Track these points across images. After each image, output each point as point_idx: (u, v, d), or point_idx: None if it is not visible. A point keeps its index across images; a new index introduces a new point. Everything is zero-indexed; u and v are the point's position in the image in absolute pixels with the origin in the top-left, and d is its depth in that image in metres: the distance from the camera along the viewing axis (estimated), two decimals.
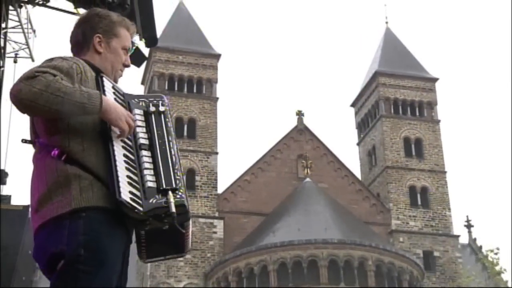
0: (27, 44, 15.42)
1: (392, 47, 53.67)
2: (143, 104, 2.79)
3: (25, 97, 2.48)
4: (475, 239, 55.34)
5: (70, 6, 10.98)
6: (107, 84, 2.75)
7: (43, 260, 2.58)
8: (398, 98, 50.74)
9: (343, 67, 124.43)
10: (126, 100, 2.77)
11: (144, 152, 2.65)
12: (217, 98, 47.89)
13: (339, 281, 38.27)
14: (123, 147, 2.62)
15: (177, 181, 2.61)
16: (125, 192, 2.50)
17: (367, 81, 52.79)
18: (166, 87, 47.28)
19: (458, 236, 48.04)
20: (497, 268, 39.31)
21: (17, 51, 15.55)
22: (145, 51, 11.41)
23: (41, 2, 11.73)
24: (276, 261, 39.02)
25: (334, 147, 73.73)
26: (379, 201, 47.87)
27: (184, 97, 47.16)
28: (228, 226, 43.99)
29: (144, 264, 42.34)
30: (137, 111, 2.75)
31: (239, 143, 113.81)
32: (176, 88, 47.49)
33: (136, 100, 2.80)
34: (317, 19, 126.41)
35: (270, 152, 47.88)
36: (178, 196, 2.57)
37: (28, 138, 2.79)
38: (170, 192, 2.56)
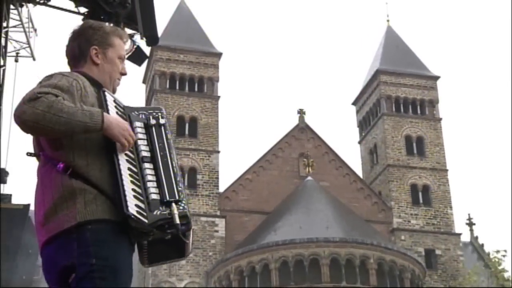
0: (28, 43, 15.42)
1: (393, 45, 53.64)
2: (143, 116, 2.84)
3: (28, 118, 2.54)
4: (476, 237, 55.32)
5: (71, 5, 10.99)
6: (109, 99, 2.80)
7: (53, 273, 2.65)
8: (399, 96, 50.72)
9: (344, 65, 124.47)
10: (127, 113, 2.82)
11: (146, 165, 2.70)
12: (219, 97, 47.89)
13: (340, 279, 38.26)
14: (127, 160, 2.68)
15: (180, 193, 2.67)
16: (132, 205, 2.56)
17: (368, 79, 52.77)
18: (168, 86, 47.30)
19: (460, 234, 48.05)
20: (500, 267, 39.25)
21: (18, 50, 15.55)
22: (146, 49, 11.40)
23: (42, 1, 11.73)
24: (277, 259, 39.02)
25: (335, 146, 73.70)
26: (380, 199, 47.86)
27: (186, 96, 47.16)
28: (230, 225, 43.99)
29: None
30: (137, 123, 2.80)
31: (241, 141, 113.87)
32: (177, 87, 47.49)
33: (136, 112, 2.85)
34: (319, 17, 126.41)
35: (272, 151, 47.88)
36: (181, 208, 2.64)
37: (31, 149, 2.84)
38: (173, 204, 2.63)
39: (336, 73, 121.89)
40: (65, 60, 2.99)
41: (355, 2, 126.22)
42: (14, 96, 13.86)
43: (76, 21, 10.39)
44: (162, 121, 2.83)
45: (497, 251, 39.89)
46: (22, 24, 14.48)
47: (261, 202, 45.21)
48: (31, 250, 17.08)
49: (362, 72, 78.23)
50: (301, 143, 48.33)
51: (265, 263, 39.30)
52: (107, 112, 2.71)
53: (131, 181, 2.62)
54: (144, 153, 2.72)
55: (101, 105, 2.75)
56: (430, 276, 44.60)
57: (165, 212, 2.59)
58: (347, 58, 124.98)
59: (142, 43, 10.76)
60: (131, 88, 73.30)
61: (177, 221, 2.59)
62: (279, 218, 42.29)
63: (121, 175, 2.60)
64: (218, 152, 46.05)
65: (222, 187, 45.60)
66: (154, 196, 2.62)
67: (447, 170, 49.11)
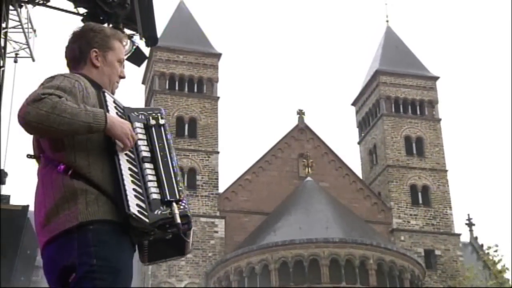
0: (27, 44, 15.40)
1: (393, 45, 53.66)
2: (143, 117, 2.86)
3: (32, 119, 2.55)
4: (476, 238, 55.30)
5: (70, 6, 10.99)
6: (109, 99, 2.82)
7: (54, 273, 2.65)
8: (399, 96, 50.73)
9: (343, 65, 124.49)
10: (126, 114, 2.84)
11: (147, 165, 2.72)
12: (218, 98, 47.90)
13: (340, 280, 38.26)
14: (127, 160, 2.69)
15: (180, 192, 2.69)
16: (133, 205, 2.57)
17: (368, 80, 52.78)
18: (167, 87, 47.30)
19: (459, 234, 48.06)
20: (498, 266, 39.28)
21: (18, 51, 15.53)
22: (146, 50, 11.39)
23: (41, 2, 11.73)
24: (277, 260, 39.02)
25: (335, 146, 73.81)
26: (380, 200, 47.87)
27: (185, 97, 47.17)
28: (229, 225, 43.99)
29: None
30: (137, 124, 2.81)
31: (240, 142, 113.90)
32: (177, 88, 47.50)
33: (136, 113, 2.87)
34: (318, 18, 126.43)
35: (271, 151, 47.88)
36: (182, 207, 2.66)
37: (31, 151, 2.85)
38: (174, 204, 2.65)
39: (336, 73, 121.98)
40: (65, 61, 3.00)
41: (354, 3, 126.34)
42: (13, 97, 13.84)
43: (76, 22, 10.39)
44: (161, 121, 2.85)
45: (489, 247, 40.03)
46: (21, 24, 14.47)
47: (260, 202, 45.22)
48: (29, 251, 17.10)
49: (361, 73, 78.31)
50: (301, 144, 48.34)
51: (265, 264, 39.30)
52: (108, 112, 2.73)
53: (132, 181, 2.63)
54: (145, 153, 2.74)
55: (102, 106, 2.77)
56: (430, 277, 44.62)
57: (166, 212, 2.61)
58: (346, 59, 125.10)
59: (141, 43, 10.76)
60: (131, 89, 73.33)
61: (178, 220, 2.60)
62: (278, 219, 42.29)
63: (122, 175, 2.62)
64: (218, 152, 46.06)
65: (221, 188, 45.63)
66: (155, 196, 2.63)
67: (446, 171, 49.12)
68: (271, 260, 39.11)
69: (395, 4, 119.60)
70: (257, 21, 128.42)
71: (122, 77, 3.03)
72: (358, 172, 51.05)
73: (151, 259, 2.81)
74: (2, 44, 11.88)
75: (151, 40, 10.82)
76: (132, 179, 2.65)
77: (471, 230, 55.69)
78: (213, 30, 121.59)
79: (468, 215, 57.17)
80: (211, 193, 44.65)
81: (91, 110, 2.63)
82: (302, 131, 49.08)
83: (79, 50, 2.93)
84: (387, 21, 56.15)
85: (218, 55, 49.00)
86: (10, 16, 13.11)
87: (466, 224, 55.74)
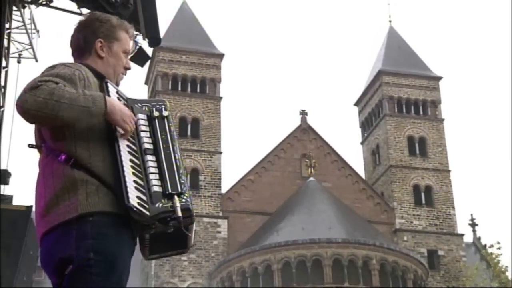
0: (30, 44, 15.41)
1: (395, 45, 53.63)
2: (146, 108, 2.81)
3: (31, 107, 2.51)
4: (479, 238, 55.21)
5: (73, 6, 11.01)
6: (112, 90, 2.78)
7: (51, 265, 2.60)
8: (402, 97, 50.70)
9: (346, 66, 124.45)
10: (129, 105, 2.78)
11: (149, 157, 2.66)
12: (221, 98, 47.91)
13: (343, 280, 38.26)
14: (129, 152, 2.64)
15: (182, 186, 2.63)
16: (133, 197, 2.52)
17: (370, 80, 52.75)
18: (170, 87, 47.32)
19: (463, 235, 48.01)
20: (499, 265, 39.20)
21: (21, 51, 15.54)
22: (149, 50, 11.41)
23: (44, 2, 11.75)
24: (280, 260, 39.02)
25: (337, 146, 73.73)
26: (383, 200, 47.84)
27: (188, 97, 47.19)
28: (232, 226, 43.99)
29: (148, 264, 42.43)
30: (140, 115, 2.76)
31: (243, 142, 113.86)
32: (179, 88, 47.52)
33: (139, 104, 2.82)
34: (321, 18, 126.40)
35: (274, 152, 47.88)
36: (183, 200, 2.60)
37: (33, 142, 2.81)
38: (176, 197, 2.59)
39: (338, 73, 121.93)
40: (69, 50, 2.96)
41: (357, 3, 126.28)
42: (16, 97, 13.86)
43: None
44: (165, 113, 2.79)
45: (491, 246, 39.89)
46: (24, 25, 14.48)
47: (263, 203, 45.21)
48: (32, 251, 17.09)
49: (364, 73, 78.29)
50: (303, 144, 48.33)
51: (268, 264, 39.30)
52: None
53: (133, 173, 2.58)
54: (147, 145, 2.69)
55: None
56: (433, 277, 44.57)
57: (167, 205, 2.56)
58: (349, 59, 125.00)
59: (144, 44, 10.77)
60: (133, 89, 73.31)
61: (179, 214, 2.55)
62: (281, 219, 42.29)
63: (122, 166, 2.57)
64: (221, 153, 46.07)
65: (224, 188, 45.64)
66: (156, 189, 2.58)
67: (449, 171, 49.08)
68: (274, 261, 39.11)
69: (398, 4, 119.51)
70: (259, 22, 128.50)
71: (127, 68, 2.98)
72: (361, 172, 51.04)
73: (152, 253, 2.77)
74: (6, 45, 11.90)
75: (154, 40, 10.83)
76: (133, 170, 2.59)
77: (474, 230, 55.61)
78: (216, 30, 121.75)
79: (471, 215, 57.00)
80: (214, 194, 44.67)
81: (90, 94, 2.58)
82: (304, 131, 49.08)
83: (84, 40, 2.88)
84: (390, 21, 56.16)
85: (220, 56, 49.02)
86: (14, 17, 13.15)
87: (469, 224, 55.67)
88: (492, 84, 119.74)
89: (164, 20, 53.10)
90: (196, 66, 48.03)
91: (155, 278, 41.63)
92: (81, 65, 2.78)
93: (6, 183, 13.59)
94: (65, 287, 2.55)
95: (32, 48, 15.48)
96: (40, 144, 2.75)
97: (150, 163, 2.64)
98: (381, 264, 39.32)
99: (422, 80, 51.40)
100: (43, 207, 2.62)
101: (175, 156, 2.69)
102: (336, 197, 44.77)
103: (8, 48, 12.38)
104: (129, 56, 3.02)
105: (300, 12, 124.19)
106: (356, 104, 55.22)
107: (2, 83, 12.14)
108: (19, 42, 15.34)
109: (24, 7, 13.03)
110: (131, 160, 2.62)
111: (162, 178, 2.62)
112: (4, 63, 11.88)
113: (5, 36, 11.62)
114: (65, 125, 2.61)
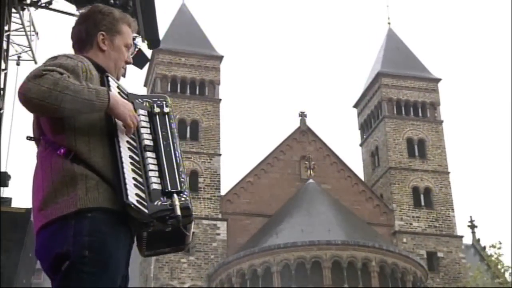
0: (29, 46, 15.41)
1: (394, 47, 53.64)
2: (147, 104, 2.76)
3: (34, 96, 2.45)
4: (478, 240, 55.24)
5: (72, 8, 11.02)
6: (113, 84, 2.74)
7: (47, 260, 2.56)
8: (401, 98, 50.71)
9: (345, 68, 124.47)
10: (130, 100, 2.74)
11: (149, 154, 2.62)
12: (220, 100, 47.91)
13: (342, 282, 38.23)
14: (128, 148, 2.60)
15: (182, 184, 2.60)
16: (132, 194, 2.48)
17: (369, 82, 52.76)
18: (169, 89, 47.29)
19: (462, 236, 47.98)
20: (499, 266, 39.14)
21: (20, 53, 15.53)
22: (148, 53, 11.42)
23: (43, 5, 11.76)
24: (279, 262, 39.00)
25: (337, 148, 73.81)
26: (382, 202, 47.82)
27: (187, 99, 47.17)
28: (231, 228, 43.96)
29: (147, 265, 42.41)
30: (141, 111, 2.72)
31: (242, 144, 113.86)
32: (178, 90, 47.51)
33: (140, 100, 2.78)
34: (320, 20, 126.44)
35: (273, 154, 47.86)
36: (183, 199, 2.57)
37: (31, 134, 2.76)
38: (175, 195, 2.56)
39: (337, 75, 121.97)
40: (70, 42, 2.91)
41: (356, 5, 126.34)
42: (15, 100, 13.86)
43: None
44: (166, 109, 2.75)
45: (493, 246, 39.74)
46: (23, 27, 14.48)
47: (262, 205, 45.19)
48: (31, 254, 17.07)
49: (363, 75, 78.32)
50: (303, 146, 48.32)
51: (267, 266, 39.27)
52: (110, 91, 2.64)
53: (132, 170, 2.54)
54: (147, 142, 2.64)
55: None
56: (432, 279, 44.54)
57: (166, 203, 2.52)
58: (348, 61, 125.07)
59: (143, 46, 10.78)
60: (133, 91, 73.27)
61: (178, 212, 2.51)
62: (280, 221, 42.27)
63: (121, 162, 2.52)
64: (220, 155, 46.06)
65: (223, 190, 45.62)
66: (155, 186, 2.54)
67: (448, 173, 49.07)
68: (273, 263, 39.09)
69: (396, 6, 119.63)
70: (258, 24, 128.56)
71: (129, 62, 2.94)
72: (360, 174, 51.02)
73: (149, 250, 2.73)
74: (5, 47, 11.91)
75: (153, 42, 10.85)
76: (133, 167, 2.54)
77: (473, 232, 55.65)
78: (215, 32, 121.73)
79: (471, 217, 57.07)
80: (213, 196, 44.65)
81: (94, 88, 2.54)
82: (304, 133, 49.07)
83: (86, 33, 2.84)
84: (389, 23, 56.18)
85: (220, 58, 49.03)
86: (13, 19, 13.15)
87: (469, 226, 55.72)
88: (491, 85, 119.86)
89: (163, 22, 53.19)
90: (195, 68, 48.03)
91: (155, 280, 41.58)
92: (84, 58, 2.74)
93: (6, 185, 13.58)
94: (58, 283, 2.51)
95: (31, 50, 15.48)
96: (38, 136, 2.70)
97: (150, 160, 2.60)
98: (381, 266, 39.30)
99: (421, 82, 51.41)
100: (41, 201, 2.58)
101: (175, 154, 2.65)
102: (335, 199, 44.75)
103: (7, 50, 12.39)
104: (130, 51, 2.98)
105: (299, 14, 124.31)
106: (355, 106, 55.22)
107: (1, 86, 12.15)
108: (18, 44, 15.34)
109: (23, 9, 13.03)
110: (130, 157, 2.58)
111: (161, 175, 2.58)
112: (3, 65, 11.89)
113: (4, 39, 11.62)
114: (65, 117, 2.57)
